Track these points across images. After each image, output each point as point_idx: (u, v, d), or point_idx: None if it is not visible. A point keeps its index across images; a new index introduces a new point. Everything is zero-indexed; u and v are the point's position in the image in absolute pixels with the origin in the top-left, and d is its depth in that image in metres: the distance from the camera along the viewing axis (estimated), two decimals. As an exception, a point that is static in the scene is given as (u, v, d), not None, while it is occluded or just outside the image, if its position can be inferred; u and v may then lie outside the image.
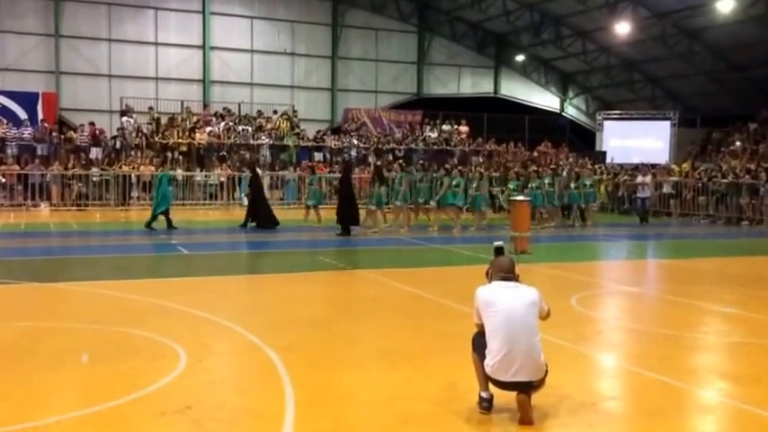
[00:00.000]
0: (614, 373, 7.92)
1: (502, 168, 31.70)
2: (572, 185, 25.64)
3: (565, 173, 27.09)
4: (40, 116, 34.77)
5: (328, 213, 23.25)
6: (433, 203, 23.36)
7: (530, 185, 24.41)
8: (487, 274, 6.34)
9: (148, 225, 20.48)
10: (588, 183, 25.99)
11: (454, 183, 22.72)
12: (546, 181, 24.87)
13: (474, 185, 23.13)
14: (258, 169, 25.41)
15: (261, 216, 21.86)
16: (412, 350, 8.26)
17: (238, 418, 6.01)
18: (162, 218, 20.66)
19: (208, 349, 8.21)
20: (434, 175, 24.03)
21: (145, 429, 5.78)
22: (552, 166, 29.36)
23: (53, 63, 38.54)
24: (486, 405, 6.07)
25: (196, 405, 6.22)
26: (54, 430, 5.79)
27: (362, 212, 21.85)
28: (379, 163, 25.78)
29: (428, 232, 21.89)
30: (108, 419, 5.96)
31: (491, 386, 6.06)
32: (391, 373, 7.39)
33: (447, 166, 26.31)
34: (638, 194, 27.92)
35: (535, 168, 27.19)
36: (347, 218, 20.69)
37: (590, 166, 30.67)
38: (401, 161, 28.37)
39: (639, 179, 28.07)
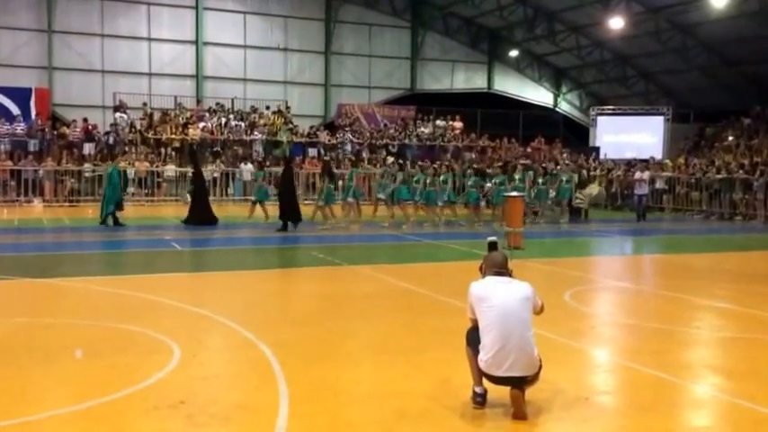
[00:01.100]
0: (608, 368, 7.93)
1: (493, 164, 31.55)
2: (539, 181, 24.96)
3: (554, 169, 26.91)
4: (33, 112, 34.68)
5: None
6: (382, 196, 23.52)
7: (493, 181, 24.18)
8: (481, 269, 6.34)
9: (103, 221, 20.36)
10: (565, 178, 25.33)
11: (415, 178, 22.79)
12: (516, 177, 24.65)
13: (428, 180, 22.78)
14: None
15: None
16: (406, 346, 8.27)
17: (232, 413, 6.00)
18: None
19: (202, 345, 8.20)
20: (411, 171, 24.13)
21: (139, 424, 5.78)
22: (523, 162, 29.12)
23: (46, 58, 38.43)
24: (480, 400, 6.08)
25: (190, 400, 6.21)
26: (48, 425, 5.79)
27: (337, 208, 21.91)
28: (327, 158, 25.38)
29: (423, 228, 21.88)
30: (102, 414, 5.95)
31: (485, 381, 6.07)
32: (385, 368, 7.40)
33: (420, 162, 26.32)
34: (636, 191, 27.04)
35: (500, 164, 27.24)
36: (287, 213, 20.48)
37: (567, 162, 29.87)
38: (352, 157, 28.26)
39: (638, 175, 27.10)
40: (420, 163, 25.29)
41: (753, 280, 13.88)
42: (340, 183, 23.14)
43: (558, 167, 26.78)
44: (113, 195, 20.68)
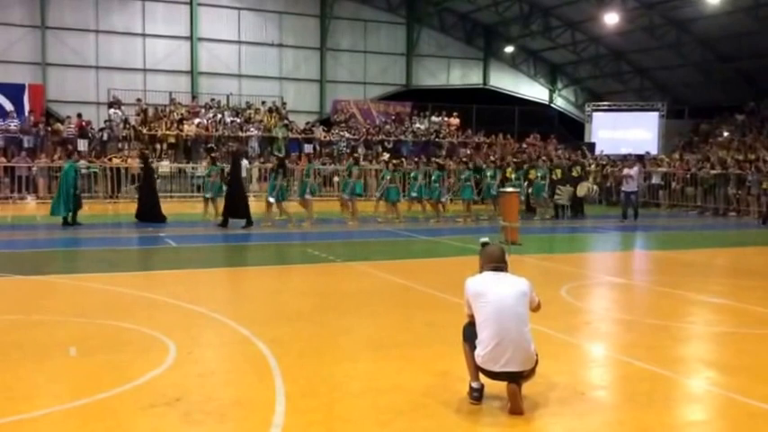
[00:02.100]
0: (603, 363, 7.96)
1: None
2: (512, 177, 24.58)
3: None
4: (27, 108, 34.53)
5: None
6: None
7: (461, 177, 24.14)
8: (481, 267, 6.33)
9: (73, 221, 20.02)
10: (540, 174, 24.76)
11: (388, 176, 22.66)
12: (488, 173, 24.55)
13: (387, 177, 22.69)
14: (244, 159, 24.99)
15: (232, 207, 20.49)
16: (402, 341, 8.27)
17: (228, 410, 5.99)
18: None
19: (197, 342, 8.18)
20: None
21: (134, 422, 5.75)
22: (493, 158, 28.86)
23: (39, 54, 38.30)
24: (477, 395, 6.09)
25: (186, 397, 6.21)
26: (42, 423, 5.77)
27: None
28: (281, 155, 24.98)
29: (417, 224, 21.91)
30: (97, 412, 5.93)
31: (481, 376, 6.07)
32: (381, 364, 7.39)
33: (393, 159, 26.14)
34: (623, 188, 25.68)
35: (464, 159, 27.10)
36: (233, 210, 20.19)
37: (545, 158, 28.98)
38: (309, 153, 28.00)
39: (625, 171, 25.84)
40: (394, 161, 25.04)
41: (747, 275, 13.96)
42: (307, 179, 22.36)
43: (539, 162, 26.64)
44: (68, 194, 19.85)
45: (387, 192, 22.85)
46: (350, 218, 21.93)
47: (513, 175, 24.53)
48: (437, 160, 27.40)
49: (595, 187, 26.41)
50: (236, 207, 20.24)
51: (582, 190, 25.44)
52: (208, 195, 22.47)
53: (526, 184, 24.59)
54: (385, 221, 22.14)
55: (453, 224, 22.15)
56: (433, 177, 23.89)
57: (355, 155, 26.57)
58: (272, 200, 20.78)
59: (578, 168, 26.94)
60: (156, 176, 23.99)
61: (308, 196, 21.66)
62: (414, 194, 23.78)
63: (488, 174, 24.53)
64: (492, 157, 29.10)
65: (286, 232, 19.72)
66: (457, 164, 27.36)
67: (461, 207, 24.13)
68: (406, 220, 22.46)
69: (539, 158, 28.41)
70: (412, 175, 23.82)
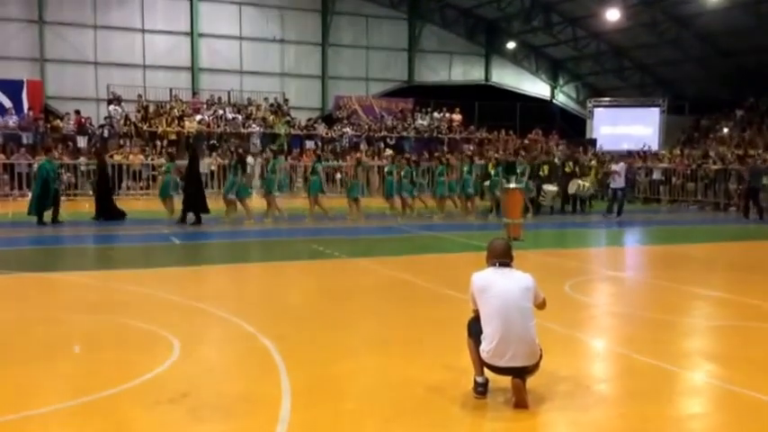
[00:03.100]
0: (607, 357, 7.99)
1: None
2: (492, 172, 23.91)
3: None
4: (26, 104, 34.46)
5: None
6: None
7: (440, 174, 23.70)
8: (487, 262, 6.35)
9: (54, 219, 19.67)
10: (519, 171, 23.59)
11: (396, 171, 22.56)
12: (464, 168, 24.00)
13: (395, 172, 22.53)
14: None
15: (190, 204, 20.10)
16: (407, 337, 8.29)
17: (234, 405, 6.01)
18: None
19: (202, 338, 8.21)
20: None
21: (140, 418, 5.77)
22: (468, 153, 28.37)
23: (38, 50, 38.21)
24: (482, 390, 6.11)
25: (191, 393, 6.22)
26: (49, 420, 5.79)
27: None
28: (241, 150, 24.65)
29: (418, 220, 21.92)
30: (102, 409, 5.95)
31: (486, 371, 6.10)
32: (386, 359, 7.42)
33: (357, 155, 26.01)
34: (612, 184, 24.75)
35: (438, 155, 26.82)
36: (191, 206, 19.90)
37: (524, 153, 28.61)
38: (273, 147, 27.84)
39: (613, 167, 25.06)
40: (386, 155, 24.84)
41: (747, 269, 13.99)
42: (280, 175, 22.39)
43: (518, 158, 26.07)
44: (42, 192, 19.40)
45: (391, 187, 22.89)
46: (309, 215, 21.47)
47: (492, 171, 23.96)
48: (448, 156, 27.04)
49: (587, 184, 25.33)
50: (194, 202, 19.93)
51: (572, 187, 25.03)
52: (164, 194, 21.54)
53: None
54: (402, 217, 22.26)
55: (427, 221, 22.07)
56: (437, 171, 23.76)
57: (318, 152, 26.18)
58: (231, 197, 20.55)
59: (571, 164, 26.26)
60: (109, 174, 23.33)
61: (277, 193, 21.54)
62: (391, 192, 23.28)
63: (464, 169, 23.97)
64: (467, 153, 28.51)
65: (289, 228, 19.73)
66: (458, 159, 27.04)
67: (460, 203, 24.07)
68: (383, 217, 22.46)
69: (517, 154, 27.95)
70: (386, 170, 23.57)
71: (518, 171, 23.75)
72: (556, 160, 26.66)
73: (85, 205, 21.53)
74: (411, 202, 23.11)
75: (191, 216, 19.95)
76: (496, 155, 27.56)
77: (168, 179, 21.57)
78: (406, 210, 22.82)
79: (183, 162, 22.23)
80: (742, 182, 27.33)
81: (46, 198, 19.44)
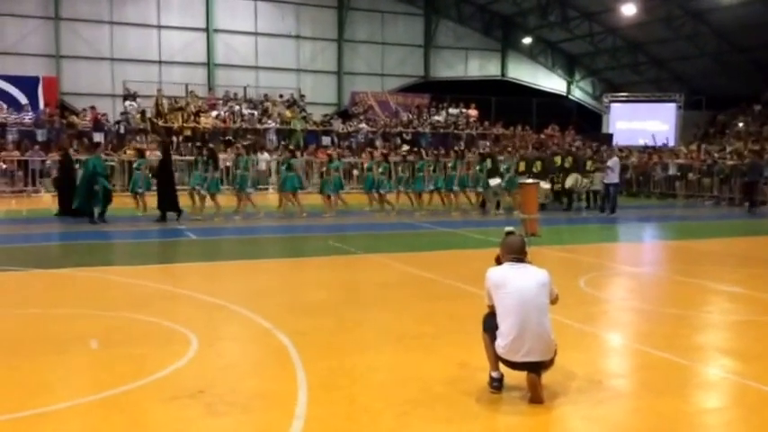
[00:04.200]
0: (621, 352, 8.01)
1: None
2: (476, 168, 23.83)
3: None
4: (41, 101, 34.66)
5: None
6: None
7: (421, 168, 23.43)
8: (498, 260, 6.36)
9: (100, 217, 19.35)
10: (505, 167, 23.82)
11: (333, 168, 22.29)
12: (450, 164, 23.92)
13: (323, 170, 22.28)
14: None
15: (164, 201, 19.86)
16: (423, 332, 8.31)
17: (251, 401, 6.04)
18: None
19: (219, 334, 8.23)
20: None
21: (157, 414, 5.80)
22: (456, 149, 28.03)
23: (53, 47, 38.48)
24: (497, 385, 6.14)
25: (208, 389, 6.25)
26: (66, 415, 5.83)
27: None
28: (212, 145, 24.07)
29: (418, 217, 21.91)
30: (120, 404, 5.98)
31: (501, 366, 6.12)
32: (403, 355, 7.44)
33: (330, 151, 25.79)
34: (604, 180, 23.91)
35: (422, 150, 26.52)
36: (165, 204, 19.75)
37: (510, 149, 28.20)
38: (242, 143, 27.76)
39: (609, 163, 23.94)
40: (402, 151, 24.61)
41: (763, 264, 14.00)
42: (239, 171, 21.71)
43: (505, 154, 25.87)
44: (88, 189, 19.11)
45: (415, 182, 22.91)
46: (281, 211, 21.32)
47: (478, 167, 23.81)
48: (456, 149, 26.77)
49: (585, 180, 24.55)
50: (168, 200, 19.78)
51: (569, 181, 24.44)
52: (138, 190, 21.56)
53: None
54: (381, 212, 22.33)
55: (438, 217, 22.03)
56: (450, 165, 23.63)
57: (291, 147, 25.60)
58: (204, 192, 20.45)
59: (570, 159, 25.49)
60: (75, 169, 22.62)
61: (249, 190, 21.39)
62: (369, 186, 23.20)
63: (449, 165, 23.77)
64: (456, 148, 28.17)
65: (305, 224, 19.79)
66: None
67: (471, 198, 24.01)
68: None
69: (505, 149, 27.69)
70: (366, 165, 23.44)
71: (503, 167, 23.72)
72: (558, 157, 26.00)
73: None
74: (395, 197, 22.95)
75: (161, 215, 19.77)
76: (480, 151, 27.29)
77: (138, 175, 21.59)
78: (384, 205, 22.62)
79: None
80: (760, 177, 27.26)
81: (92, 195, 19.11)
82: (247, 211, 21.25)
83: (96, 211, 19.27)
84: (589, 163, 25.22)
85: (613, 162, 23.79)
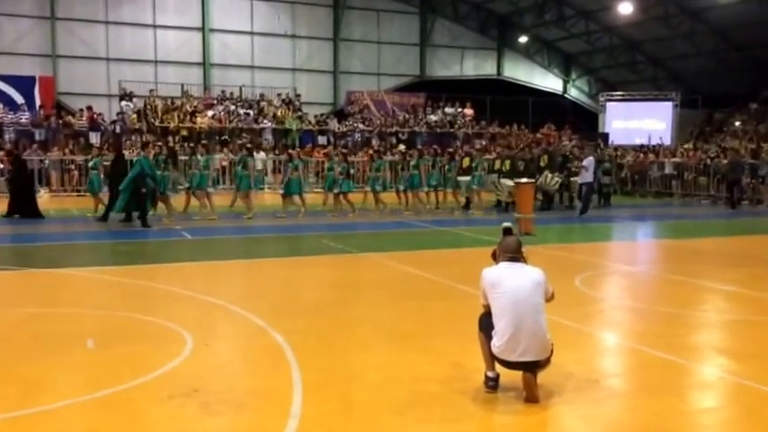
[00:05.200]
0: (617, 351, 8.01)
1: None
2: (446, 167, 23.53)
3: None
4: (38, 100, 34.68)
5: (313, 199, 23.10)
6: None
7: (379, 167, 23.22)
8: (494, 255, 6.36)
9: (142, 221, 18.70)
10: (474, 165, 23.37)
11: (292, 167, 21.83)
12: (412, 163, 23.56)
13: (290, 169, 21.85)
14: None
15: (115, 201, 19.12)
16: (418, 331, 8.31)
17: (246, 400, 6.04)
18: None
19: (214, 333, 8.24)
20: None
21: (153, 413, 5.80)
22: (434, 147, 27.81)
23: (49, 46, 38.44)
24: (493, 384, 6.13)
25: (204, 388, 6.25)
26: (62, 414, 5.82)
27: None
28: (171, 144, 23.87)
29: (419, 215, 21.91)
30: (116, 403, 5.98)
31: (497, 365, 6.11)
32: (398, 354, 7.44)
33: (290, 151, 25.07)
34: (579, 179, 23.38)
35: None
36: (117, 203, 18.97)
37: (478, 147, 27.91)
38: (246, 144, 27.51)
39: (584, 162, 23.04)
40: (398, 150, 24.37)
41: (759, 263, 13.94)
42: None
43: (473, 152, 25.56)
44: (134, 190, 18.26)
45: (410, 180, 22.85)
46: (248, 213, 20.86)
47: (447, 166, 23.61)
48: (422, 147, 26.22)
49: (557, 179, 23.82)
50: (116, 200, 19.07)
51: (540, 179, 23.33)
52: (93, 190, 21.30)
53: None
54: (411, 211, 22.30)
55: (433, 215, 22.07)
56: (447, 167, 23.49)
57: (248, 145, 24.84)
58: (169, 193, 20.14)
59: (545, 157, 24.85)
60: (28, 171, 22.43)
61: (211, 189, 21.05)
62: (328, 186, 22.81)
63: (411, 164, 23.47)
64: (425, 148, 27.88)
65: (300, 224, 19.77)
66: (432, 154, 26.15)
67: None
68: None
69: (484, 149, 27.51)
70: (327, 166, 23.17)
71: (472, 165, 23.41)
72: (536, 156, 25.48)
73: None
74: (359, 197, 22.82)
75: (104, 214, 19.48)
76: (449, 149, 27.23)
77: (93, 176, 21.39)
78: (342, 205, 22.16)
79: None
80: (755, 176, 27.30)
81: (137, 196, 18.30)
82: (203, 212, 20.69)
83: (134, 213, 18.78)
84: (576, 162, 24.95)
85: (588, 162, 22.95)
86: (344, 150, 27.30)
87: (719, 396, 6.58)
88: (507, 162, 24.40)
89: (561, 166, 25.01)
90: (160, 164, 20.22)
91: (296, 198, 21.55)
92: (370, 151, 26.62)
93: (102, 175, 21.72)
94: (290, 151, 23.86)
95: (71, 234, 17.70)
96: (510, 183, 22.52)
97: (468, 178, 23.21)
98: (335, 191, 22.09)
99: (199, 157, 20.54)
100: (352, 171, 23.49)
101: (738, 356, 7.51)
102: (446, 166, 23.51)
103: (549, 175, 23.94)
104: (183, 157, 23.64)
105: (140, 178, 18.21)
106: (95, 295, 10.38)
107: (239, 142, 27.94)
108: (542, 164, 24.54)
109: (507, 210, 22.69)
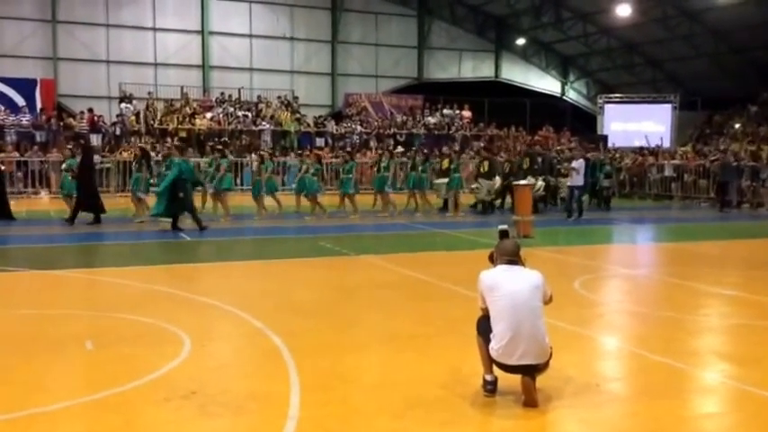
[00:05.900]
0: (617, 355, 7.96)
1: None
2: (419, 168, 23.20)
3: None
4: (39, 103, 34.75)
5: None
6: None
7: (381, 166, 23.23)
8: (491, 258, 6.33)
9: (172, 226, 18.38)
10: (453, 167, 23.18)
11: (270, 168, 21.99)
12: (383, 165, 23.27)
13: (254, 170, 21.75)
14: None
15: (86, 202, 19.12)
16: (416, 334, 8.28)
17: (244, 402, 6.02)
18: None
19: (211, 335, 8.22)
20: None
21: (150, 415, 5.78)
22: (415, 148, 27.39)
23: (50, 49, 38.53)
24: (491, 388, 6.09)
25: (201, 390, 6.22)
26: (59, 416, 5.80)
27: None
28: (141, 144, 23.42)
29: (413, 217, 21.89)
30: (113, 405, 5.96)
31: (495, 369, 6.08)
32: (396, 356, 7.42)
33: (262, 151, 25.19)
34: (569, 182, 22.61)
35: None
36: (88, 205, 18.97)
37: (454, 149, 27.67)
38: (268, 150, 27.22)
39: (574, 164, 22.32)
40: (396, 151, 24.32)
41: (760, 267, 13.87)
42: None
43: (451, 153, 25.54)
44: (172, 193, 17.85)
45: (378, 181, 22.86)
46: (224, 215, 20.63)
47: (420, 167, 23.33)
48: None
49: (540, 182, 22.94)
50: (87, 201, 19.03)
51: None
52: (65, 192, 20.97)
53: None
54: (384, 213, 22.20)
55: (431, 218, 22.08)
56: (420, 168, 23.20)
57: (218, 147, 23.78)
58: (142, 195, 19.93)
59: (527, 160, 24.42)
60: (3, 174, 22.06)
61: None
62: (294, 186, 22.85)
63: (382, 165, 23.23)
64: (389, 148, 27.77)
65: (297, 226, 19.75)
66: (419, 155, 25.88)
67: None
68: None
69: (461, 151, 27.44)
70: (302, 168, 22.79)
71: (451, 167, 23.32)
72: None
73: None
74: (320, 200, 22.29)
75: (71, 216, 19.05)
76: (425, 150, 27.17)
77: (65, 177, 21.11)
78: (315, 208, 21.80)
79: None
80: (755, 179, 27.29)
81: (175, 200, 17.84)
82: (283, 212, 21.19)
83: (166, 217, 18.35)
84: (565, 164, 24.79)
85: (578, 164, 22.19)
86: (317, 152, 27.02)
87: (721, 401, 6.54)
88: (486, 163, 24.17)
89: (549, 169, 24.90)
90: (135, 165, 20.10)
91: (266, 199, 21.51)
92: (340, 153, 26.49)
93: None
94: (260, 152, 23.75)
95: (70, 235, 17.64)
96: (488, 182, 22.95)
97: (446, 180, 23.21)
98: (304, 192, 22.01)
99: (229, 158, 20.26)
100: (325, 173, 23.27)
101: (740, 361, 7.47)
102: (420, 168, 23.32)
103: (531, 179, 22.39)
104: (204, 160, 23.45)
105: (180, 183, 17.81)
106: (92, 297, 10.37)
107: (260, 151, 27.73)
108: (525, 166, 24.10)
109: (489, 210, 23.29)
